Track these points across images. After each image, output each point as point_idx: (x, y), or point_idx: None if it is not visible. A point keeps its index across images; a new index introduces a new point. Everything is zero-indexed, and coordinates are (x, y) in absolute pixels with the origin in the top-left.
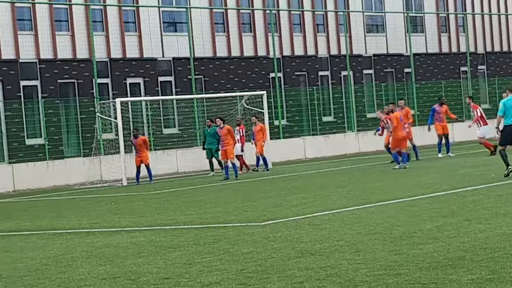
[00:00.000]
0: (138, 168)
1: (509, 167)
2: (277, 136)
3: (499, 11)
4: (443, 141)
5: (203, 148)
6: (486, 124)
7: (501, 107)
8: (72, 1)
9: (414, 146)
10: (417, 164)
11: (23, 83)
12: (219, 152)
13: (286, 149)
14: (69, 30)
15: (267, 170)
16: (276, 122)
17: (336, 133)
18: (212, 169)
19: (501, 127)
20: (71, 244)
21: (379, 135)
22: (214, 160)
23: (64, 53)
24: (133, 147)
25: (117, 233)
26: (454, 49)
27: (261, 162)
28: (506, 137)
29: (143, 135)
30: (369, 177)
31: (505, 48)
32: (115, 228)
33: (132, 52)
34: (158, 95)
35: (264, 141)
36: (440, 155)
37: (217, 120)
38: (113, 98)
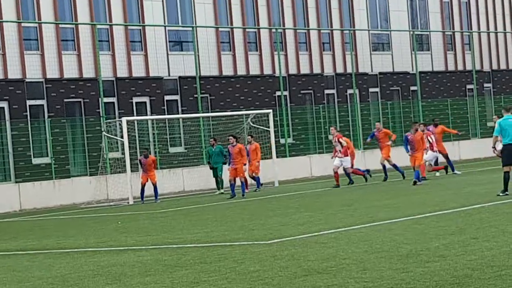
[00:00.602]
0: (143, 186)
1: (506, 192)
2: (283, 155)
3: (504, 29)
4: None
5: (211, 168)
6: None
7: (497, 127)
8: (78, 20)
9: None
10: (423, 183)
11: (29, 102)
12: (221, 172)
13: (292, 167)
14: (75, 50)
15: (258, 190)
16: (282, 141)
17: None
18: (218, 188)
19: (498, 147)
20: (77, 263)
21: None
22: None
23: (70, 72)
24: (140, 166)
25: (123, 252)
26: (460, 67)
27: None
28: (508, 156)
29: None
30: (376, 195)
31: (511, 66)
32: (121, 247)
33: (138, 71)
34: (164, 114)
35: (258, 161)
36: (437, 174)
37: (230, 138)
38: (119, 117)
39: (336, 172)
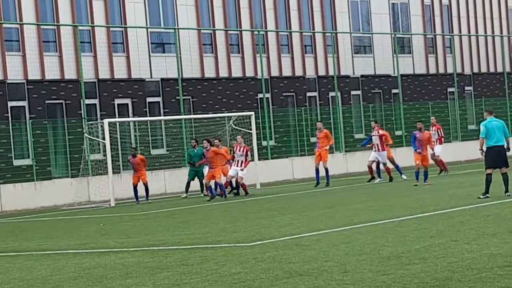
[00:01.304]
0: (136, 186)
1: (487, 195)
2: (265, 157)
3: (485, 32)
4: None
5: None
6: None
7: (482, 130)
8: (60, 21)
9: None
10: (405, 185)
11: (10, 103)
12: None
13: (274, 170)
14: (57, 51)
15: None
16: (264, 143)
17: None
18: (187, 190)
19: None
20: (58, 265)
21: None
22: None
23: (52, 73)
24: (132, 167)
25: (105, 254)
26: (441, 70)
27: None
28: (492, 158)
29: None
30: (357, 198)
31: (491, 69)
32: (103, 249)
33: (120, 73)
34: (146, 116)
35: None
36: (404, 176)
37: (204, 142)
38: (101, 119)
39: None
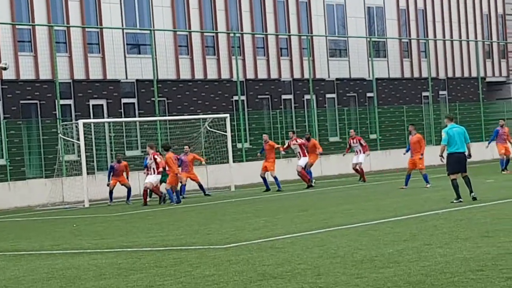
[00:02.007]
0: (112, 189)
1: (460, 199)
2: (240, 159)
3: (460, 37)
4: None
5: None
6: (305, 156)
7: (444, 136)
8: (35, 21)
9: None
10: (378, 189)
11: None
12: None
13: (249, 172)
14: (31, 51)
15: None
16: (239, 145)
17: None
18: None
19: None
20: (32, 266)
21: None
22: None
23: (27, 73)
24: (112, 171)
25: (78, 255)
26: (416, 74)
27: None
28: (453, 164)
29: (105, 157)
30: (332, 201)
31: (466, 74)
32: (76, 250)
33: (95, 74)
34: (121, 117)
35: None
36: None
37: (185, 147)
38: (76, 120)
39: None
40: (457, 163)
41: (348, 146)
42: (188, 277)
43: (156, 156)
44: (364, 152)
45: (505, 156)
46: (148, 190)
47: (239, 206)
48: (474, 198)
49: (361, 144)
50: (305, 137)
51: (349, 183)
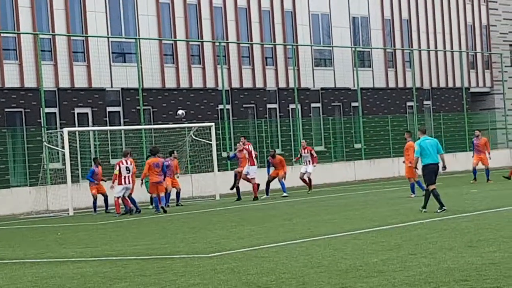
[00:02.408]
0: (96, 198)
1: (444, 208)
2: (225, 168)
3: (444, 47)
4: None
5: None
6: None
7: (417, 148)
8: (21, 29)
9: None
10: (362, 199)
11: None
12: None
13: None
14: (17, 59)
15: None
16: (224, 154)
17: None
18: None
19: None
20: (16, 275)
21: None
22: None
23: (12, 81)
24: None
25: (63, 264)
26: (400, 84)
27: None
28: (430, 175)
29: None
30: (316, 210)
31: (450, 84)
32: (61, 258)
33: (81, 82)
34: (106, 126)
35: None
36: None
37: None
38: (61, 128)
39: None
40: (433, 173)
41: (299, 155)
42: (172, 286)
43: (121, 164)
44: (313, 163)
45: (475, 167)
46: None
47: (224, 215)
48: (422, 211)
49: (311, 155)
50: (271, 154)
51: (334, 192)
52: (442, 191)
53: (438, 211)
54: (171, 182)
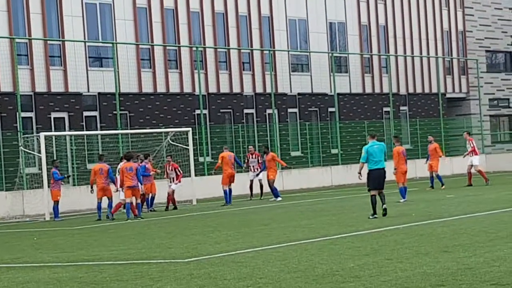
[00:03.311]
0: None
1: (375, 215)
2: (202, 173)
3: (421, 53)
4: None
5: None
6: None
7: (364, 154)
8: None
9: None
10: (339, 204)
11: None
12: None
13: (211, 186)
14: None
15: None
16: (201, 159)
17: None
18: None
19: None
20: None
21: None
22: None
23: None
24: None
25: (39, 269)
26: (377, 90)
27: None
28: (374, 180)
29: (66, 170)
30: (293, 215)
31: (426, 90)
32: (37, 263)
33: (57, 86)
34: (83, 130)
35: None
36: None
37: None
38: (37, 132)
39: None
40: (377, 179)
41: (246, 160)
42: None
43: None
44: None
45: (429, 172)
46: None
47: (200, 220)
48: (385, 210)
49: (258, 161)
50: (264, 150)
51: (311, 197)
52: (419, 196)
53: (370, 217)
54: (150, 186)
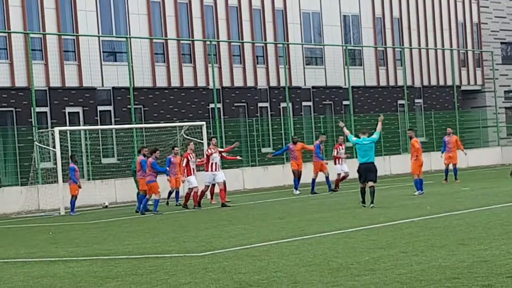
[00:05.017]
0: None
1: (364, 205)
2: None
3: (435, 45)
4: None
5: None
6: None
7: (354, 139)
8: (11, 29)
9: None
10: (354, 197)
11: None
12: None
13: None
14: (7, 58)
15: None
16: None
17: (275, 164)
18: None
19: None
20: (7, 274)
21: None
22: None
23: (3, 81)
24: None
25: (54, 263)
26: (391, 83)
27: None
28: (361, 174)
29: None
30: (308, 209)
31: (441, 83)
32: (52, 258)
33: (71, 81)
34: (97, 125)
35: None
36: (297, 191)
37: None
38: (52, 127)
39: None
40: (364, 171)
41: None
42: (164, 285)
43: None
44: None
45: (449, 165)
46: None
47: (215, 213)
48: (371, 206)
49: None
50: (293, 140)
51: (325, 190)
52: (434, 189)
53: (360, 204)
54: (175, 180)
